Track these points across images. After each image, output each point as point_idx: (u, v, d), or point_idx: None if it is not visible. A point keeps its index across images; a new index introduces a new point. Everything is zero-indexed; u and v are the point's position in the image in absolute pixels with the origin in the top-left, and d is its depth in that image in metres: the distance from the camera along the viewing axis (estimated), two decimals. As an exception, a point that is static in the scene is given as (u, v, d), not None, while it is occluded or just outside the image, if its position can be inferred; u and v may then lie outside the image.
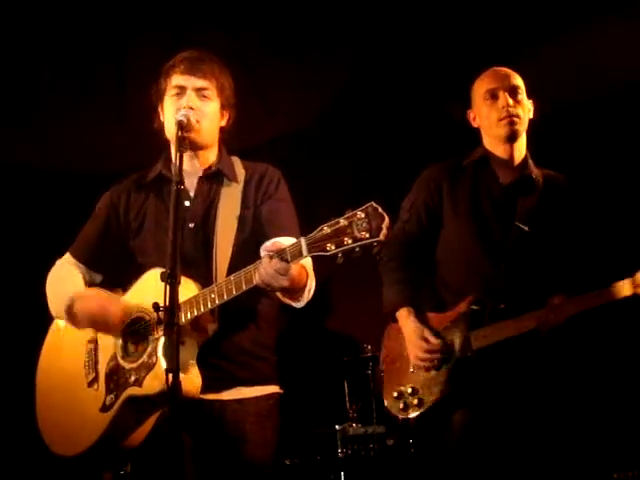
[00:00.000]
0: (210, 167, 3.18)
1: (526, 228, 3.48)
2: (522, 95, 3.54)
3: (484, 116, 3.58)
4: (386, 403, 3.56)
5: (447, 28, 5.33)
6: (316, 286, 3.07)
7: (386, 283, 3.63)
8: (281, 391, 3.14)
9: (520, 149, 3.59)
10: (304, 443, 5.30)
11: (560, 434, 3.44)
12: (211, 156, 3.19)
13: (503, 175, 3.59)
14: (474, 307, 3.43)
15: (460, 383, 3.40)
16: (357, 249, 2.50)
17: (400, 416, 3.52)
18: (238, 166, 3.22)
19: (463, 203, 3.57)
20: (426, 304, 3.58)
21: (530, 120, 3.59)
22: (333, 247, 2.53)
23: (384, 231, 2.48)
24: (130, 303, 3.07)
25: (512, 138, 3.54)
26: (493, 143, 3.60)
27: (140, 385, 2.90)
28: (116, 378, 3.00)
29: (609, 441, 4.87)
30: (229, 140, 3.26)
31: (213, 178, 3.17)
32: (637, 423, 4.89)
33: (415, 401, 3.44)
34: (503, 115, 3.50)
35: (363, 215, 2.50)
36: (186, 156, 3.09)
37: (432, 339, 3.43)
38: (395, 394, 3.51)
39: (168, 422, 2.51)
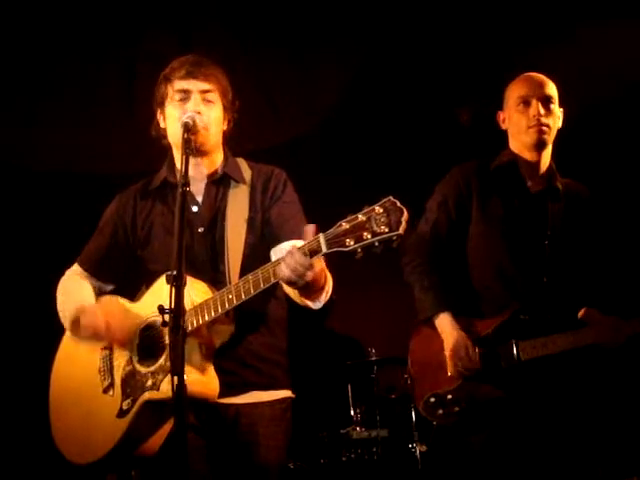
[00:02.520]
0: (216, 171, 3.17)
1: (548, 246, 3.48)
2: (554, 105, 3.55)
3: (514, 121, 3.59)
4: (421, 408, 3.51)
5: (454, 30, 5.32)
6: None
7: (419, 288, 3.57)
8: (293, 395, 3.15)
9: (546, 157, 3.61)
10: (308, 447, 5.30)
11: (579, 444, 3.42)
12: (216, 160, 3.19)
13: (531, 182, 3.60)
14: (522, 317, 3.41)
15: (504, 392, 3.36)
16: (377, 244, 2.48)
17: (439, 422, 3.47)
18: (244, 167, 3.21)
19: (493, 207, 3.57)
20: (461, 308, 3.55)
21: (558, 129, 3.60)
22: (352, 242, 2.51)
23: (403, 225, 2.46)
24: (143, 309, 3.06)
25: (540, 146, 3.56)
26: (520, 149, 3.61)
27: (157, 389, 2.89)
28: (133, 383, 2.98)
29: (615, 447, 4.86)
30: (236, 144, 3.25)
31: (220, 182, 3.16)
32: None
33: (456, 408, 3.41)
34: (533, 123, 3.52)
35: (382, 210, 2.48)
36: (192, 162, 3.06)
37: (473, 355, 3.39)
38: (432, 399, 3.46)
39: (174, 424, 2.49)
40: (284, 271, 2.67)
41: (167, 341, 2.91)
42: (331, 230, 2.57)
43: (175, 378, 2.45)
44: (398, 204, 2.48)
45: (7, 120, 5.40)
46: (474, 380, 3.40)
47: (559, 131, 3.59)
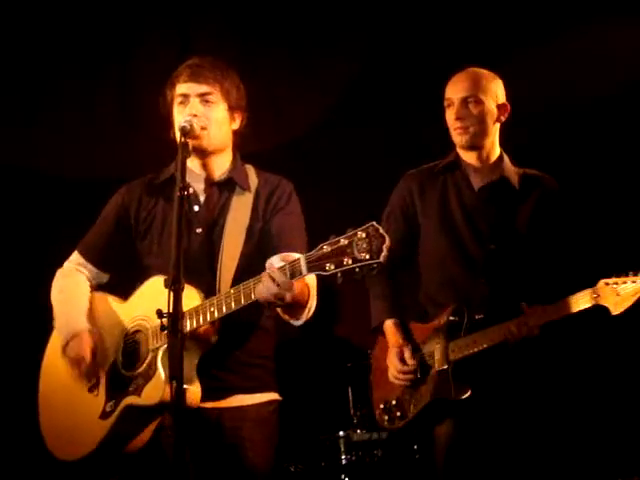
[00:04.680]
0: (222, 174, 3.16)
1: (493, 246, 3.46)
2: (482, 104, 3.49)
3: (447, 122, 3.58)
4: (375, 414, 3.58)
5: (456, 30, 5.31)
6: (320, 291, 3.05)
7: (371, 297, 3.63)
8: (280, 398, 3.14)
9: (488, 152, 3.56)
10: (308, 449, 5.28)
11: (544, 442, 3.42)
12: (223, 162, 3.18)
13: (475, 179, 3.56)
14: (452, 318, 3.41)
15: (439, 395, 3.37)
16: (357, 270, 2.47)
17: (387, 428, 3.55)
18: (251, 175, 3.21)
19: (433, 209, 3.57)
20: (411, 314, 3.59)
21: (503, 123, 3.57)
22: (332, 267, 2.50)
23: (384, 253, 2.45)
24: (131, 310, 3.07)
25: (469, 147, 3.54)
26: (457, 148, 3.61)
27: (139, 395, 2.90)
28: (116, 386, 3.00)
29: (611, 447, 4.85)
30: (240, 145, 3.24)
31: (224, 185, 3.16)
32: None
33: (398, 413, 3.46)
34: (455, 126, 3.51)
35: (364, 235, 2.47)
36: (198, 161, 3.12)
37: (409, 360, 3.42)
38: (382, 405, 3.53)
39: (168, 431, 2.49)
40: (261, 292, 2.68)
41: (151, 346, 2.93)
42: (312, 252, 2.57)
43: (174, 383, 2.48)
44: (380, 231, 2.47)
45: (7, 124, 5.38)
46: (413, 384, 3.43)
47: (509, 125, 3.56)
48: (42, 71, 5.40)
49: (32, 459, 3.70)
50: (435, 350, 3.42)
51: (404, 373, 3.43)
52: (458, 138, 3.52)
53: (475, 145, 3.52)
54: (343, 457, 5.17)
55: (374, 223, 2.49)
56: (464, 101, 3.48)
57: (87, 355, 3.03)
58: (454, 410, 3.35)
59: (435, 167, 3.65)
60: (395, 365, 3.44)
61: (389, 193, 3.76)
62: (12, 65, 5.33)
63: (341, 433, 5.22)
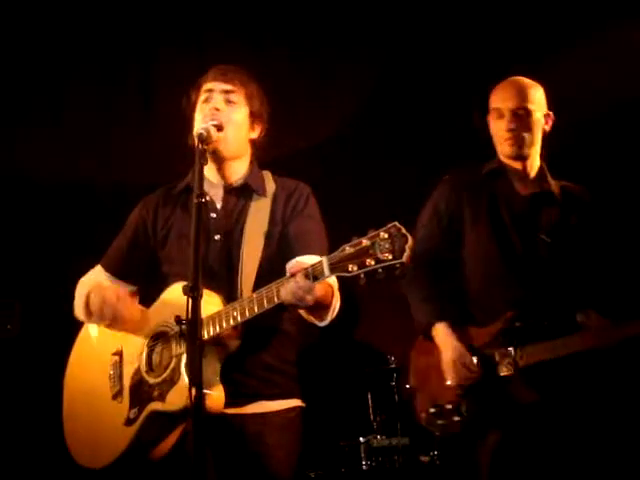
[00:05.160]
0: (238, 180, 3.17)
1: (548, 239, 3.46)
2: (532, 115, 3.51)
3: (493, 131, 3.60)
4: (423, 419, 3.51)
5: (473, 36, 5.30)
6: (340, 297, 3.04)
7: (415, 300, 3.58)
8: (303, 404, 3.13)
9: (532, 162, 3.58)
10: (328, 455, 5.27)
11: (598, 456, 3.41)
12: (240, 168, 3.19)
13: (521, 187, 3.58)
14: (517, 324, 3.39)
15: (500, 400, 3.36)
16: (380, 270, 2.47)
17: (439, 433, 3.49)
18: (268, 180, 3.21)
19: (484, 214, 3.56)
20: (459, 318, 3.54)
21: (547, 132, 3.58)
22: (355, 268, 2.50)
23: (407, 253, 2.44)
24: (153, 317, 3.08)
25: (517, 157, 3.55)
26: (503, 157, 3.61)
27: (163, 400, 2.90)
28: (140, 392, 3.00)
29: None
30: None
31: (241, 192, 3.16)
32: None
33: (456, 418, 3.40)
34: (506, 136, 3.52)
35: (386, 235, 2.47)
36: (214, 167, 3.13)
37: (473, 366, 3.39)
38: (433, 410, 3.46)
39: (192, 437, 2.50)
40: (285, 294, 2.68)
41: (174, 352, 2.93)
42: (335, 254, 2.57)
43: (193, 389, 2.46)
44: (403, 230, 2.47)
45: (25, 132, 5.43)
46: (473, 389, 3.39)
47: (551, 135, 3.57)
48: (63, 78, 5.44)
49: (57, 466, 3.70)
50: (499, 355, 3.39)
51: (468, 379, 3.39)
52: (508, 149, 3.52)
53: (523, 155, 3.54)
54: (363, 463, 5.16)
55: (396, 223, 2.48)
56: (514, 112, 3.49)
57: (110, 298, 3.01)
58: (512, 417, 3.33)
59: (478, 173, 3.65)
60: (458, 371, 3.40)
61: (407, 199, 3.75)
62: (36, 72, 5.38)
63: (361, 439, 5.21)
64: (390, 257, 2.45)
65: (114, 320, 3.05)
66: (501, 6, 5.23)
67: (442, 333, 3.47)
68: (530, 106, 3.51)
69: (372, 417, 5.38)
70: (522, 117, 3.49)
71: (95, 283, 3.20)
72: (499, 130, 3.54)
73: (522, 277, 3.46)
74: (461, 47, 5.30)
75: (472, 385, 3.39)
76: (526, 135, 3.50)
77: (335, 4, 5.39)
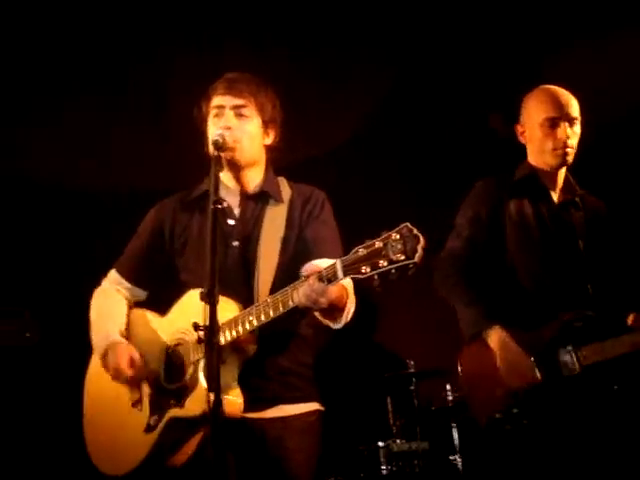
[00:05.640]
0: (255, 187, 3.18)
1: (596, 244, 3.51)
2: (578, 125, 3.53)
3: (538, 141, 3.57)
4: (486, 425, 3.44)
5: (487, 42, 5.30)
6: (359, 302, 3.05)
7: (461, 305, 3.51)
8: (322, 408, 3.14)
9: (563, 170, 3.62)
10: (348, 460, 5.27)
11: None
12: (256, 175, 3.20)
13: (554, 193, 3.62)
14: (576, 324, 3.38)
15: (568, 400, 3.33)
16: (393, 271, 2.49)
17: (508, 437, 3.39)
18: (284, 186, 3.23)
19: (525, 218, 3.56)
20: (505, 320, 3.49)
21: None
22: (368, 269, 2.52)
23: (419, 252, 2.46)
24: (170, 325, 3.10)
25: (562, 166, 3.57)
26: (541, 165, 3.60)
27: (182, 407, 2.92)
28: (159, 399, 3.02)
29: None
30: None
31: (258, 198, 3.18)
32: None
33: (524, 421, 3.34)
34: (560, 146, 3.51)
35: (398, 236, 2.49)
36: (230, 175, 3.15)
37: (532, 368, 3.34)
38: (498, 416, 3.38)
39: (210, 442, 2.51)
40: (299, 297, 2.70)
41: (192, 359, 2.95)
42: (348, 256, 2.59)
43: (211, 395, 2.47)
44: (415, 231, 2.48)
45: (40, 139, 5.46)
46: (536, 391, 3.35)
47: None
48: (74, 83, 5.44)
49: (79, 474, 3.72)
50: (559, 356, 3.37)
51: (529, 381, 3.34)
52: (557, 159, 3.53)
53: (567, 165, 3.57)
54: (383, 468, 5.16)
55: (408, 224, 2.50)
56: (573, 121, 3.50)
57: (126, 362, 3.06)
58: (577, 417, 3.31)
59: (510, 179, 3.65)
60: (521, 372, 3.34)
61: (418, 206, 3.75)
62: (45, 80, 5.40)
63: (380, 444, 5.21)
64: (403, 258, 2.47)
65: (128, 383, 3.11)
66: (517, 10, 5.22)
67: (496, 336, 3.40)
68: (579, 117, 3.53)
69: (391, 421, 5.37)
70: (574, 127, 3.52)
71: (111, 318, 3.21)
72: (549, 140, 3.52)
73: (569, 281, 3.47)
74: (478, 48, 5.29)
75: (535, 388, 3.35)
76: (575, 144, 3.52)
77: (349, 7, 5.38)
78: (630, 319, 3.37)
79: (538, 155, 3.59)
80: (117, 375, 3.09)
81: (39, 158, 5.50)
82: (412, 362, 5.33)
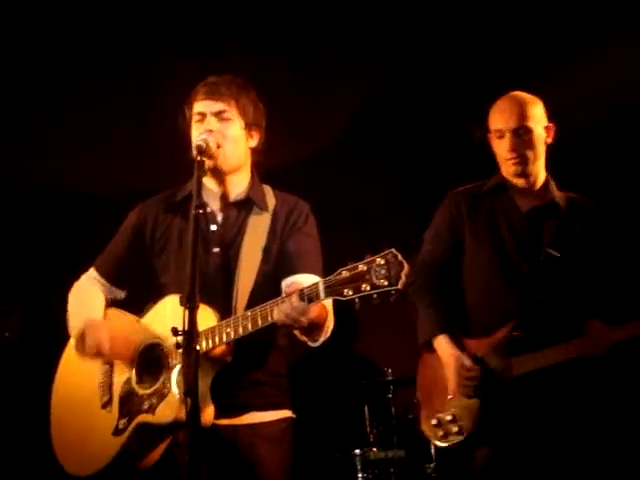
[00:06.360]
0: (240, 193, 3.16)
1: (557, 254, 3.47)
2: (532, 132, 3.50)
3: (495, 150, 3.59)
4: (424, 431, 3.52)
5: (469, 47, 5.31)
6: (337, 309, 3.03)
7: (419, 313, 3.58)
8: (294, 415, 3.13)
9: (536, 176, 3.58)
10: (324, 467, 5.26)
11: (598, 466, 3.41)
12: (241, 181, 3.17)
13: (523, 202, 3.58)
14: (515, 333, 3.40)
15: (500, 410, 3.36)
16: (375, 296, 2.48)
17: (440, 444, 3.47)
18: (269, 195, 3.20)
19: (482, 231, 3.57)
20: (459, 331, 3.54)
21: (550, 145, 3.57)
22: (351, 292, 2.52)
23: (403, 280, 2.45)
24: (146, 328, 3.07)
25: (520, 175, 3.55)
26: (505, 173, 3.61)
27: (153, 413, 2.90)
28: (129, 403, 3.00)
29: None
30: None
31: (242, 205, 3.15)
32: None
33: (455, 428, 3.40)
34: (509, 157, 3.51)
35: (383, 262, 2.48)
36: (214, 180, 3.13)
37: (471, 365, 3.39)
38: (434, 421, 3.46)
39: (184, 448, 2.49)
40: (279, 315, 2.69)
41: (166, 364, 2.93)
42: (331, 277, 2.58)
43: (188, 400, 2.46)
44: (399, 257, 2.48)
45: (22, 143, 5.44)
46: (473, 397, 3.39)
47: (554, 147, 3.57)
48: (63, 80, 5.44)
49: (44, 473, 3.69)
50: (496, 365, 3.40)
51: (468, 379, 3.39)
52: (512, 168, 3.52)
53: (527, 173, 3.54)
54: (359, 475, 5.15)
55: (393, 250, 2.49)
56: (515, 132, 3.49)
57: (106, 336, 3.03)
58: (511, 426, 3.33)
59: (480, 188, 3.66)
60: (458, 373, 3.40)
61: (402, 212, 3.75)
62: (34, 79, 5.38)
63: (357, 451, 5.20)
64: (386, 283, 2.46)
65: (111, 358, 3.08)
66: (503, 13, 5.23)
67: (443, 345, 3.47)
68: (530, 124, 3.50)
69: (368, 429, 5.37)
70: (523, 136, 3.49)
71: (89, 310, 3.19)
72: (502, 150, 3.54)
73: (521, 290, 3.46)
74: (462, 54, 5.30)
75: (472, 395, 3.39)
76: (529, 153, 3.50)
77: (335, 8, 5.38)
78: (583, 327, 3.35)
79: (501, 165, 3.60)
80: (98, 350, 3.05)
81: (23, 159, 5.46)
82: (390, 370, 5.33)
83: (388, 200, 5.56)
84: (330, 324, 3.01)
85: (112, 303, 3.29)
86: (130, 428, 2.94)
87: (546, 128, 3.56)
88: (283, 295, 2.71)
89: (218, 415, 2.91)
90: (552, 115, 3.61)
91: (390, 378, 5.30)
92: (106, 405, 3.07)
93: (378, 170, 5.64)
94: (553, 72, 5.07)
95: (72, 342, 3.25)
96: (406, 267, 2.46)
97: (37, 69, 5.38)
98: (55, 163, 5.51)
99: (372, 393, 5.40)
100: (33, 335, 5.28)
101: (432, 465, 5.03)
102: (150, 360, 3.01)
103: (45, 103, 5.47)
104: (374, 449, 5.27)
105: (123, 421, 2.97)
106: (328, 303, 2.95)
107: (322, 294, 2.59)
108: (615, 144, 5.18)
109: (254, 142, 3.17)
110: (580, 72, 5.13)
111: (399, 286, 2.45)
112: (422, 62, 5.47)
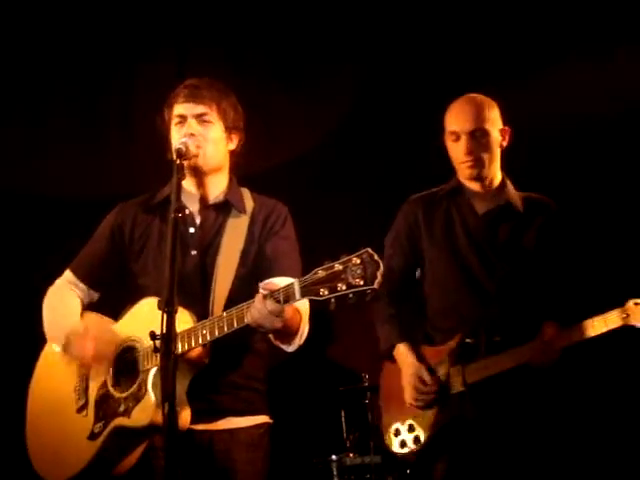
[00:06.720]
0: (218, 196, 3.16)
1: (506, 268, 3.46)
2: (489, 134, 3.50)
3: (450, 154, 3.58)
4: (385, 439, 3.54)
5: (451, 51, 5.33)
6: (313, 315, 3.04)
7: (378, 321, 3.61)
8: (271, 421, 3.13)
9: (492, 178, 3.57)
10: (301, 473, 5.25)
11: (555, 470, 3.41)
12: (219, 183, 3.17)
13: (479, 204, 3.57)
14: (468, 340, 3.40)
15: (455, 419, 3.37)
16: (351, 295, 2.47)
17: (398, 452, 3.49)
18: (247, 198, 3.20)
19: (438, 235, 3.57)
20: (419, 338, 3.57)
21: (505, 147, 3.58)
22: (326, 292, 2.50)
23: (379, 279, 2.45)
24: (122, 331, 3.06)
25: (476, 179, 3.54)
26: (460, 176, 3.61)
27: (129, 416, 2.88)
28: (105, 406, 2.98)
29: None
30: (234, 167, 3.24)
31: (221, 208, 3.15)
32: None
33: (412, 437, 3.42)
34: (465, 159, 3.50)
35: (358, 261, 2.47)
36: (193, 181, 3.12)
37: (428, 379, 3.40)
38: (393, 430, 3.49)
39: (160, 452, 2.47)
40: (253, 316, 2.68)
41: (143, 367, 2.91)
42: (306, 277, 2.57)
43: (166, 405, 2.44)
44: (375, 257, 2.47)
45: (7, 147, 5.39)
46: (428, 408, 3.40)
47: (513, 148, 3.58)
48: (42, 88, 5.40)
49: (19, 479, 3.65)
50: (451, 372, 3.41)
51: (424, 394, 3.40)
52: (467, 172, 3.51)
53: (482, 176, 3.53)
54: (336, 481, 5.15)
55: (369, 249, 2.49)
56: (472, 134, 3.47)
57: (90, 348, 3.00)
58: (468, 434, 3.33)
59: (438, 193, 3.65)
60: (414, 386, 3.41)
61: (382, 217, 3.76)
62: (16, 83, 5.36)
63: (334, 457, 5.19)
64: (362, 283, 2.45)
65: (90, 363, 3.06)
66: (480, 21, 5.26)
67: (402, 354, 3.50)
68: (486, 126, 3.49)
69: (345, 435, 5.36)
70: (479, 138, 3.48)
71: (69, 314, 3.17)
72: (457, 153, 3.52)
73: (478, 295, 3.47)
74: (440, 62, 5.31)
75: (428, 405, 3.40)
76: (485, 156, 3.49)
77: (315, 10, 5.39)
78: (547, 329, 3.33)
79: (456, 168, 3.59)
80: (82, 362, 3.04)
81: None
82: (366, 376, 5.32)
83: (369, 204, 5.55)
84: (305, 328, 3.01)
85: (88, 306, 3.26)
86: (106, 432, 2.92)
87: (501, 131, 3.55)
88: (258, 296, 2.69)
89: (195, 420, 2.89)
90: (521, 119, 3.62)
91: (367, 384, 5.29)
92: (82, 409, 3.05)
93: (358, 174, 5.64)
94: (533, 73, 5.10)
95: (48, 348, 3.23)
96: (382, 266, 2.46)
97: (19, 72, 5.35)
98: (22, 165, 5.46)
99: (349, 399, 5.39)
100: (8, 340, 5.22)
101: (395, 475, 5.03)
102: (126, 363, 3.00)
103: (27, 106, 5.43)
104: (350, 455, 5.26)
105: (99, 425, 2.96)
106: (303, 307, 2.96)
107: (298, 294, 2.58)
108: (577, 147, 5.20)
109: (233, 145, 3.18)
110: (543, 79, 5.16)
111: (375, 285, 2.44)
112: (407, 62, 5.48)
